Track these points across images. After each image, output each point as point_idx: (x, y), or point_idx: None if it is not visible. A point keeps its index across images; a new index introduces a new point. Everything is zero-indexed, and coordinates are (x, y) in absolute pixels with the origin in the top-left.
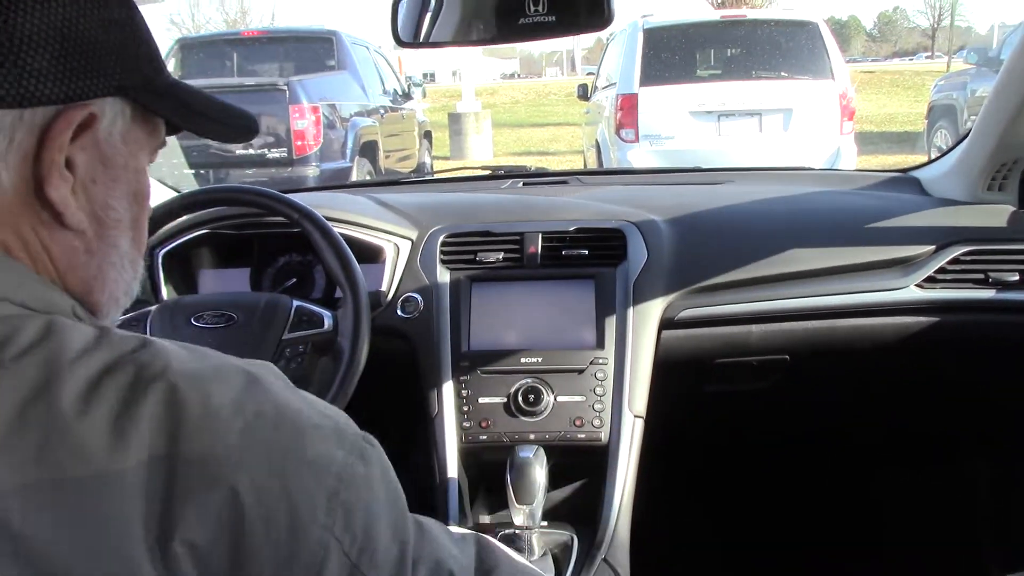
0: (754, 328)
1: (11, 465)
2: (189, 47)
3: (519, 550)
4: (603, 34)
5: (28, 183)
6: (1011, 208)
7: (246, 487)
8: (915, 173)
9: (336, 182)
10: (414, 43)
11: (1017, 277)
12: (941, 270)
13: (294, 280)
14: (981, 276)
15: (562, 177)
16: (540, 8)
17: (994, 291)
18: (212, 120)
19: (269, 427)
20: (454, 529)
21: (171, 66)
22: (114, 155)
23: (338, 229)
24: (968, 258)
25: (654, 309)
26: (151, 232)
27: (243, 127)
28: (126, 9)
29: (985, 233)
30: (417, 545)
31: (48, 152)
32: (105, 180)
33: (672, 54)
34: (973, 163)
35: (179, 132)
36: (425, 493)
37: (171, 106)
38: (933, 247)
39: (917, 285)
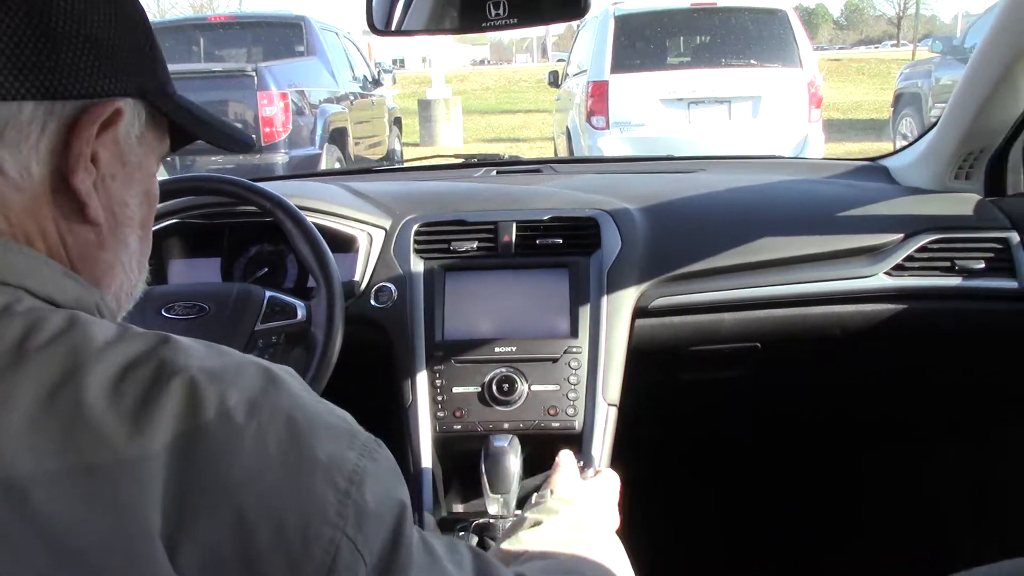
0: (727, 316)
1: (36, 450)
2: (155, 32)
3: (493, 539)
4: (574, 21)
5: (55, 174)
6: (977, 197)
7: (256, 494)
8: (884, 162)
9: (306, 170)
10: (388, 31)
11: (983, 265)
12: (909, 258)
13: (266, 270)
14: (948, 264)
15: (535, 166)
16: None
17: (960, 278)
18: (215, 129)
19: (283, 429)
20: (449, 540)
21: None
22: (130, 154)
23: (311, 218)
24: (935, 246)
25: (628, 298)
26: None
27: (242, 140)
28: (141, 16)
29: (952, 221)
30: (418, 551)
31: (77, 144)
32: (122, 177)
33: (643, 41)
34: (941, 152)
35: (186, 144)
36: None
37: (182, 112)
38: (901, 235)
39: (886, 273)
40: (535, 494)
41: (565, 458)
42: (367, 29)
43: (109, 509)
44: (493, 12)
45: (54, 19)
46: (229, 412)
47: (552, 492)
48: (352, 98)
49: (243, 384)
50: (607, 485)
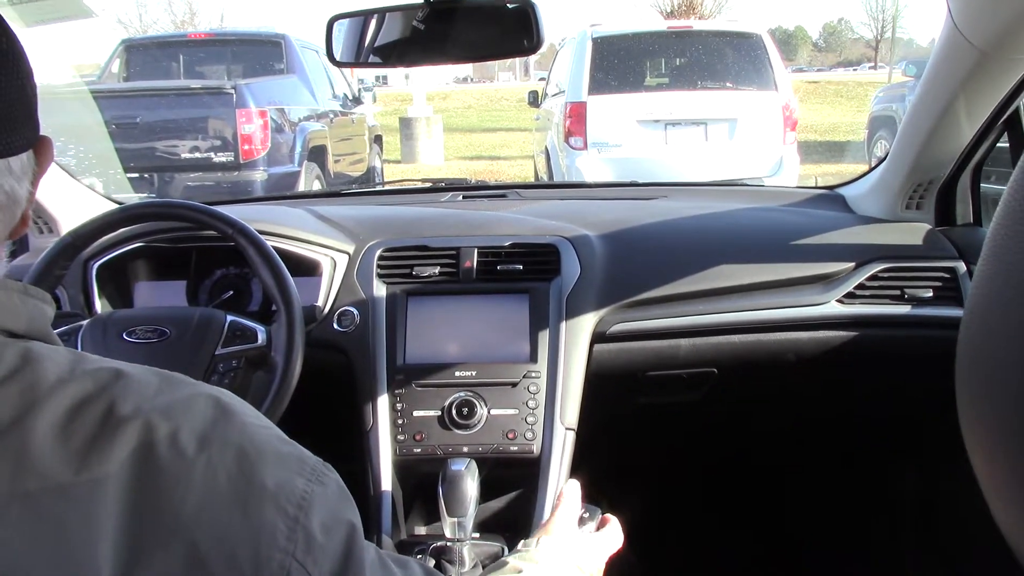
0: (683, 342)
1: None
2: (135, 48)
3: (451, 562)
4: (555, 40)
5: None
6: (927, 226)
7: (208, 526)
8: (841, 190)
9: (279, 191)
10: (352, 63)
11: (931, 293)
12: (860, 286)
13: (231, 293)
14: (898, 292)
15: (501, 191)
16: (472, 33)
17: (909, 307)
18: None
19: (232, 460)
20: (403, 559)
21: (115, 68)
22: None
23: (275, 243)
24: (886, 275)
25: (586, 323)
26: (86, 245)
27: None
28: None
29: (902, 251)
30: (371, 568)
31: (41, 175)
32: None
33: (620, 63)
34: (892, 183)
35: None
36: (359, 506)
37: None
38: (853, 264)
39: (838, 300)
40: (522, 541)
41: (569, 493)
42: (331, 63)
43: (58, 549)
44: (451, 45)
45: (29, 82)
46: (180, 448)
47: (541, 540)
48: (332, 116)
49: (194, 418)
50: (604, 543)
